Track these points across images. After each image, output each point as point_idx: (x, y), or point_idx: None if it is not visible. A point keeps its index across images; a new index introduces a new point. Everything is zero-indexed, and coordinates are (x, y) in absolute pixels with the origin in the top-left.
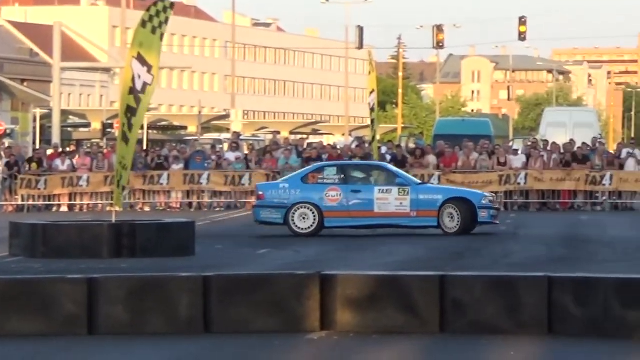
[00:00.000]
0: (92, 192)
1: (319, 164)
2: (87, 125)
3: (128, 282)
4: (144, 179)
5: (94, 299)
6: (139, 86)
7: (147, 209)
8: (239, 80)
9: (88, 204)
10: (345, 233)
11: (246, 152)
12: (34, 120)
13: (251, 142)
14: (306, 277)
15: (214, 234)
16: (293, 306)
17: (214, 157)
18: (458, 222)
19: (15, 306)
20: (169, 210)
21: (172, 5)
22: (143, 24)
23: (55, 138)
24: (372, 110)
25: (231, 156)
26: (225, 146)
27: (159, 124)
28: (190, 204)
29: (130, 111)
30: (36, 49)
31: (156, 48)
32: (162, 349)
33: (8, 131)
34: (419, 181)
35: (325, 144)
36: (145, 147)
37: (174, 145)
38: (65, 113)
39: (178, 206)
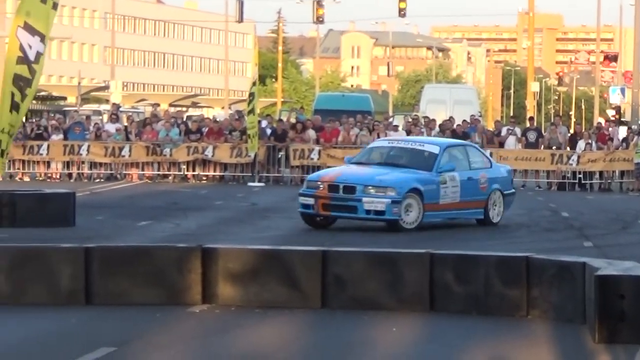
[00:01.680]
0: None
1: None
2: None
3: (9, 252)
4: (23, 149)
5: None
6: (31, 56)
7: (26, 179)
8: (118, 52)
9: None
10: (223, 207)
11: (126, 124)
12: None
13: (130, 113)
14: (188, 250)
15: (94, 205)
16: (175, 279)
17: (92, 127)
18: None
19: None
20: (48, 180)
21: None
22: None
23: None
24: (253, 84)
25: (111, 127)
26: (105, 117)
27: (38, 94)
28: (70, 175)
29: (23, 81)
30: None
31: (47, 17)
32: (42, 320)
33: None
34: None
35: (205, 117)
36: (24, 118)
37: (52, 115)
38: None
39: (58, 177)
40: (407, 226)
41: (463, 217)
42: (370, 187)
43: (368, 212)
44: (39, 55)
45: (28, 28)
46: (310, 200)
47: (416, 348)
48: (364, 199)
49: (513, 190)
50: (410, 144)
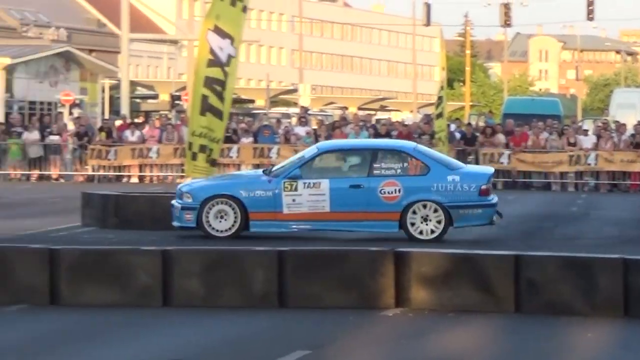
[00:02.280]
0: (162, 163)
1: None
2: (155, 96)
3: (202, 255)
4: None
5: (168, 270)
6: (223, 58)
7: None
8: (306, 55)
9: (158, 176)
10: None
11: (315, 127)
12: (102, 91)
13: (319, 117)
14: (381, 254)
15: None
16: (367, 282)
17: (280, 131)
18: None
19: (89, 276)
20: None
21: None
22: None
23: (124, 109)
24: (441, 87)
25: (301, 130)
26: (294, 120)
27: None
28: None
29: (216, 83)
30: (104, 20)
31: (237, 20)
32: (235, 323)
33: (77, 101)
34: None
35: (393, 120)
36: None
37: (242, 118)
38: (133, 84)
39: None
40: (217, 234)
41: (354, 229)
42: (179, 195)
43: (173, 219)
44: (230, 58)
45: (218, 31)
46: None
47: (613, 355)
48: (175, 206)
49: (477, 203)
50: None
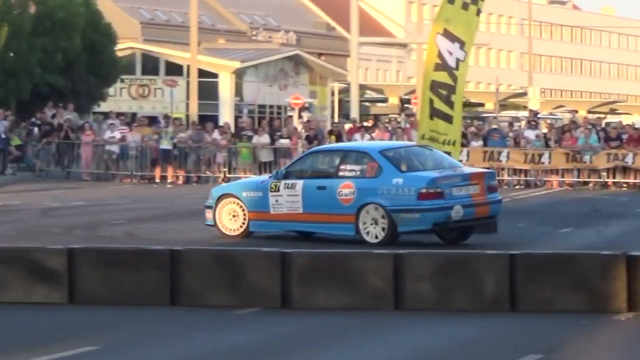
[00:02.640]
0: None
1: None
2: (384, 100)
3: (434, 258)
4: None
5: (399, 274)
6: (451, 62)
7: None
8: (535, 58)
9: None
10: None
11: (544, 130)
12: (332, 95)
13: (549, 120)
14: (612, 258)
15: (515, 212)
16: (598, 286)
17: (511, 134)
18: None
19: (321, 279)
20: None
21: None
22: (450, 0)
23: (354, 112)
24: None
25: (531, 134)
26: (523, 124)
27: None
28: None
29: (442, 87)
30: (333, 23)
31: (469, 23)
32: (466, 326)
33: (306, 105)
34: None
35: (624, 123)
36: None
37: (469, 122)
38: (362, 87)
39: None
40: (229, 232)
41: (320, 231)
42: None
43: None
44: (458, 62)
45: (448, 35)
46: None
47: None
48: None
49: (415, 207)
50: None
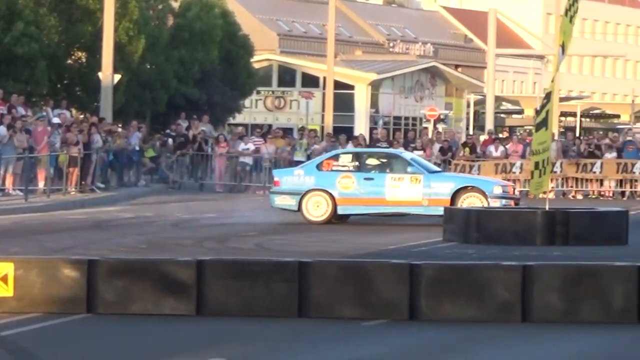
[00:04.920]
0: (524, 179)
1: (334, 151)
2: (520, 112)
3: (563, 270)
4: (577, 167)
5: (528, 286)
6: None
7: (579, 197)
8: None
9: (520, 191)
10: None
11: None
12: (467, 106)
13: None
14: None
15: None
16: None
17: None
18: None
19: (449, 291)
20: (601, 198)
21: None
22: (565, 12)
23: (489, 124)
24: None
25: None
26: None
27: (591, 111)
28: (622, 193)
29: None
30: (470, 35)
31: (570, 35)
32: (593, 338)
33: (442, 116)
34: (435, 168)
35: None
36: (577, 135)
37: (601, 133)
38: (498, 99)
39: (611, 194)
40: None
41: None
42: None
43: None
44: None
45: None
46: None
47: None
48: None
49: None
50: None
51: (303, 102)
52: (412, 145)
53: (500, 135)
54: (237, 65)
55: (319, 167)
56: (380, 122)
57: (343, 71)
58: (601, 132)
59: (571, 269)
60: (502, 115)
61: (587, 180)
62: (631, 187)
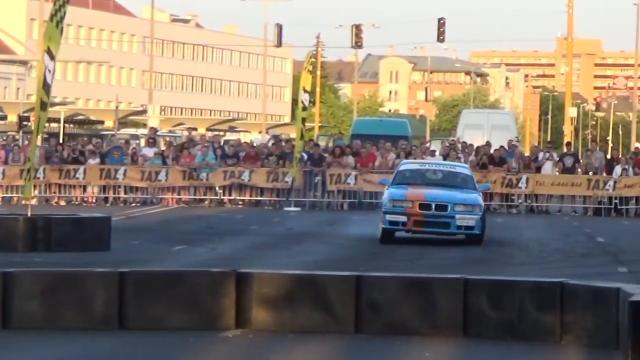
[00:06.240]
0: (7, 185)
1: None
2: (3, 117)
3: (43, 276)
4: (59, 173)
5: (8, 293)
6: (49, 80)
7: (62, 203)
8: (156, 76)
9: (2, 197)
10: (259, 231)
11: (163, 148)
12: None
13: (168, 138)
14: (222, 275)
15: (130, 229)
16: (208, 304)
17: (129, 152)
18: None
19: None
20: (84, 204)
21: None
22: (51, 17)
23: None
24: (303, 109)
25: (149, 152)
26: (142, 142)
27: (75, 117)
28: (106, 199)
29: (42, 106)
30: None
31: (58, 41)
32: (76, 345)
33: None
34: None
35: (242, 141)
36: (61, 141)
37: (86, 139)
38: None
39: (94, 201)
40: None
41: None
42: (460, 205)
43: (459, 227)
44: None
45: (49, 53)
46: (402, 218)
47: None
48: (457, 216)
49: None
50: (442, 166)
51: None
52: None
53: None
54: None
55: None
56: None
57: None
58: (85, 138)
59: (51, 275)
60: None
61: (71, 186)
62: (114, 193)
